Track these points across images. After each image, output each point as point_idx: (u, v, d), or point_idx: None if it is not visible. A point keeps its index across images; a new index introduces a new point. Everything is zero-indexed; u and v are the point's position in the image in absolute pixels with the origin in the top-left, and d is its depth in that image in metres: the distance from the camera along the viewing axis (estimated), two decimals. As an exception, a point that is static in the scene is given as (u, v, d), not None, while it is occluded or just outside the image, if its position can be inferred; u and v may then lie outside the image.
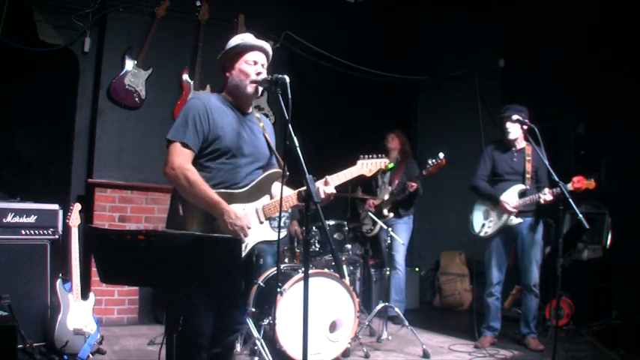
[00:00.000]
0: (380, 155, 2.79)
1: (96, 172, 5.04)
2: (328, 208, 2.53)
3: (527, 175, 4.41)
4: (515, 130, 4.43)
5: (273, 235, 2.56)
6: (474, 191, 4.63)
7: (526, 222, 4.42)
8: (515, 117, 4.14)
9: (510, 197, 4.39)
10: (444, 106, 7.10)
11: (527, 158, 4.45)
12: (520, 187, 4.41)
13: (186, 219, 2.39)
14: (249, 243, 2.46)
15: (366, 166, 2.74)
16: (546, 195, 4.15)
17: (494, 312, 4.53)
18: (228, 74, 2.56)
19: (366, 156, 2.77)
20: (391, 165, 3.01)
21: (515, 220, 4.37)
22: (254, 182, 2.53)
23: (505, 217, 4.39)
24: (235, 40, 2.57)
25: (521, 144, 4.52)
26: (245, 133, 2.53)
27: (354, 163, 2.74)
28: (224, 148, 2.46)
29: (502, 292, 4.61)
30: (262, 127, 2.65)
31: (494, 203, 4.47)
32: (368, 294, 5.84)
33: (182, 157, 2.38)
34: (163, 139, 2.50)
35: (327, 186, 2.50)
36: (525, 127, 4.04)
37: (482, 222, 4.54)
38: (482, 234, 4.54)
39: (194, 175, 2.36)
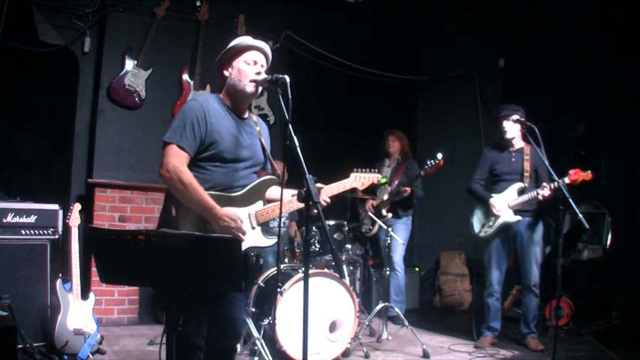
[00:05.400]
0: (373, 170, 2.90)
1: (96, 172, 5.04)
2: (328, 208, 2.53)
3: (526, 174, 4.41)
4: (512, 130, 4.43)
5: (264, 242, 2.56)
6: (468, 194, 4.66)
7: (526, 221, 4.41)
8: (515, 117, 4.18)
9: (509, 196, 4.40)
10: (443, 106, 7.09)
11: (526, 158, 4.45)
12: (519, 185, 4.40)
13: (178, 220, 2.37)
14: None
15: (359, 180, 2.84)
16: (544, 190, 4.13)
17: (494, 312, 4.53)
18: (227, 74, 2.55)
19: (360, 169, 2.87)
20: (383, 180, 3.16)
21: (514, 218, 4.37)
22: (249, 187, 2.52)
23: (503, 216, 4.39)
24: (235, 41, 2.56)
25: (519, 144, 4.52)
26: (243, 137, 2.52)
27: (347, 176, 2.81)
28: (220, 153, 2.44)
29: (502, 292, 4.60)
30: (259, 130, 2.65)
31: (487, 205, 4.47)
32: (368, 294, 5.84)
33: (177, 160, 2.36)
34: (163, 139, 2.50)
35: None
36: (525, 127, 4.05)
37: (483, 222, 4.54)
38: (482, 234, 4.54)
39: (189, 177, 2.34)
